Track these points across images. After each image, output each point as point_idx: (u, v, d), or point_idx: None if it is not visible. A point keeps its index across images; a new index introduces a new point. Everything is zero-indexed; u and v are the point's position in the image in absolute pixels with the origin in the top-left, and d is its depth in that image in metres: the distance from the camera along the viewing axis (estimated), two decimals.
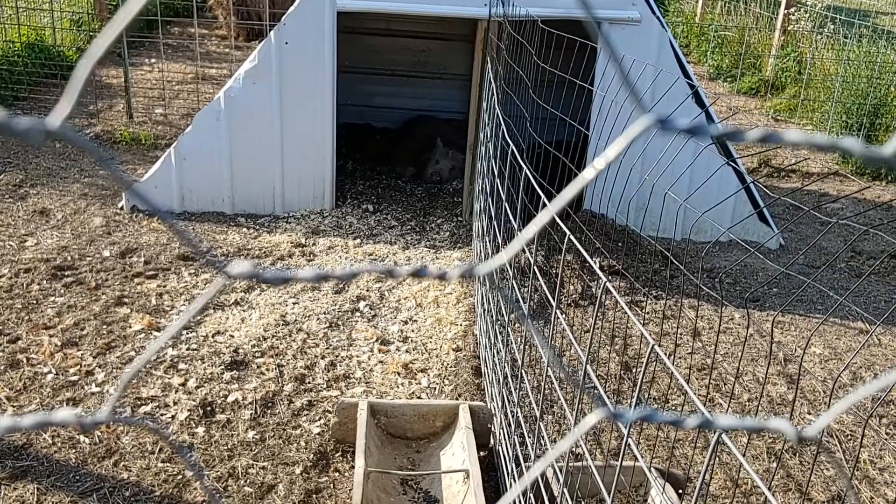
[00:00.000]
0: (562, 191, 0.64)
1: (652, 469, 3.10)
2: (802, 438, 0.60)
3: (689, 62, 6.79)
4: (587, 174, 0.60)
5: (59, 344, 4.06)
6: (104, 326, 4.26)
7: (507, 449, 3.16)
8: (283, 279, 0.58)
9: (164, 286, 4.73)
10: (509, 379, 3.23)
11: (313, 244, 5.46)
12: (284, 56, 5.52)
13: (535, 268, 2.60)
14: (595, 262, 2.16)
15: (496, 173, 3.66)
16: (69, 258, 4.94)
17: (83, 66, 0.54)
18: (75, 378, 3.82)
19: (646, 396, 3.97)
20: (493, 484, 3.33)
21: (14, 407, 3.59)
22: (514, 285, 3.35)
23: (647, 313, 4.82)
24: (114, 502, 3.13)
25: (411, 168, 6.98)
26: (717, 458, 3.56)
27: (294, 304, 4.67)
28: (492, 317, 3.76)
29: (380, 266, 0.61)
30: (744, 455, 3.04)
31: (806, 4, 10.74)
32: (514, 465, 3.00)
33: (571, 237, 2.15)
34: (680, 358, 4.39)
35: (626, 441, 1.75)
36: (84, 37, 9.23)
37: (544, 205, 2.38)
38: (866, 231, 5.72)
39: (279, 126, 5.69)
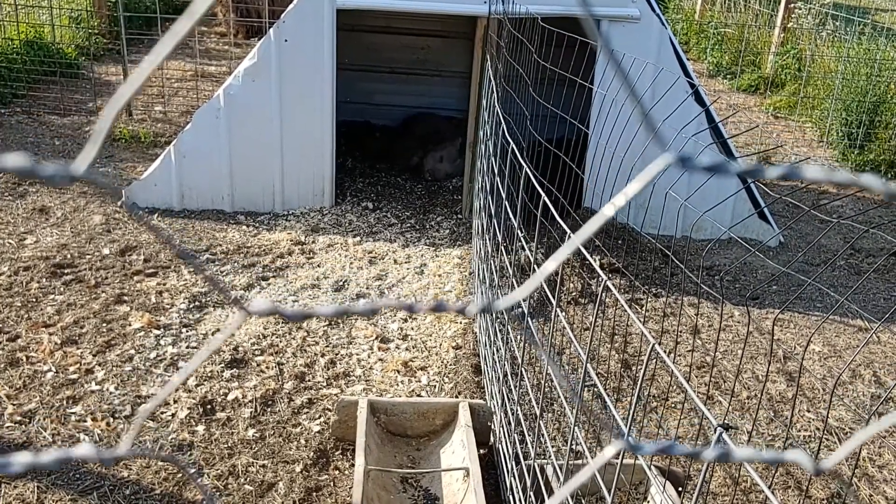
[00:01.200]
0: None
1: (652, 467, 3.10)
2: (820, 471, 0.60)
3: (688, 59, 6.78)
4: (607, 210, 0.60)
5: (59, 342, 4.06)
6: (104, 324, 4.26)
7: (506, 447, 3.16)
8: (302, 316, 0.58)
9: (164, 284, 4.72)
10: (509, 377, 3.23)
11: (313, 242, 5.45)
12: (284, 54, 5.52)
13: (535, 266, 2.60)
14: (595, 260, 2.16)
15: (496, 171, 3.65)
16: (69, 256, 4.94)
17: (108, 112, 0.53)
18: (75, 376, 3.82)
19: (646, 394, 3.97)
20: (492, 482, 3.33)
21: (14, 405, 3.58)
22: (515, 283, 3.35)
23: (647, 311, 4.82)
24: (114, 500, 3.13)
25: (415, 157, 6.94)
26: None
27: (294, 302, 4.67)
28: (491, 315, 3.76)
29: (401, 301, 0.61)
30: None
31: (809, 1, 10.72)
32: (513, 463, 3.00)
33: (571, 235, 2.15)
34: (680, 356, 4.39)
35: (627, 439, 1.75)
36: (83, 34, 9.22)
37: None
38: (866, 230, 5.72)
39: (279, 124, 5.69)
